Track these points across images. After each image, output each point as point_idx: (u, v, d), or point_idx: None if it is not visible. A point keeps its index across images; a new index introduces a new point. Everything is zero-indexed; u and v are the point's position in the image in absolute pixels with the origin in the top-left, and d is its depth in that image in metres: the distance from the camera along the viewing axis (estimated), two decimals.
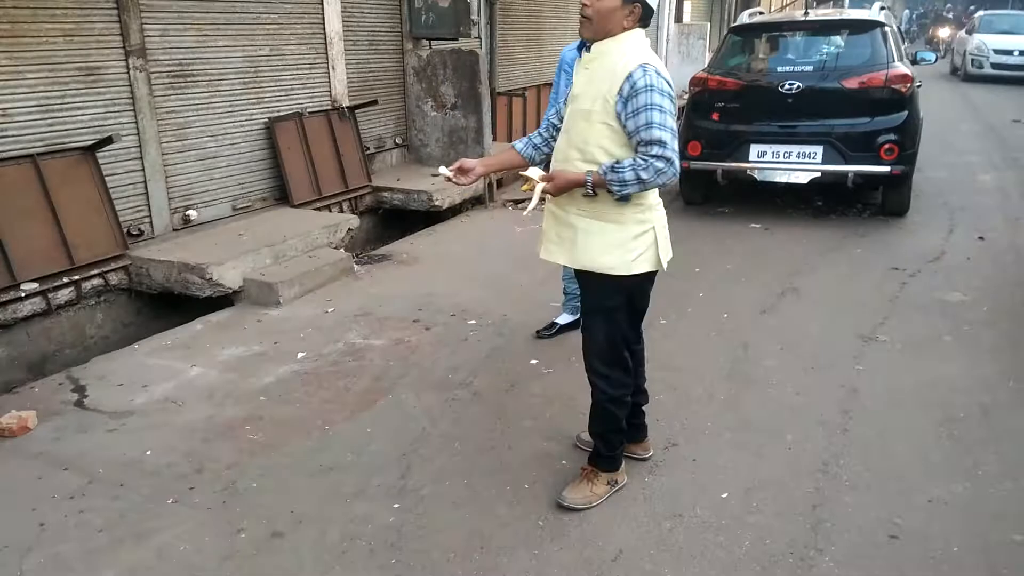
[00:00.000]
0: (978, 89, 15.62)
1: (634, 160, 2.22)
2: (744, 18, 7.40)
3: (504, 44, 8.58)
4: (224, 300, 4.44)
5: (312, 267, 4.71)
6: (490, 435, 3.09)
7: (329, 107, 6.16)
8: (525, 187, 2.45)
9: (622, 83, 2.20)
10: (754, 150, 6.04)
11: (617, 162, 2.25)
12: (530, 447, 2.99)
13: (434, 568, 2.33)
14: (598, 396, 2.61)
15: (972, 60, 16.79)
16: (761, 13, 8.24)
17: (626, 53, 2.26)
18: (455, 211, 6.64)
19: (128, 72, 4.66)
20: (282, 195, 5.76)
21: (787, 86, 5.90)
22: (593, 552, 2.39)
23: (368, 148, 6.59)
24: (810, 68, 6.10)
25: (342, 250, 5.16)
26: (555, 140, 2.52)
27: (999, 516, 2.53)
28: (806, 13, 6.97)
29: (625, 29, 2.28)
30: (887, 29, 6.16)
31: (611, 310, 2.48)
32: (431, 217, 6.42)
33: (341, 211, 5.99)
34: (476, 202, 6.86)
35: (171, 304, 4.53)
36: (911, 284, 4.67)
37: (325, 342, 3.96)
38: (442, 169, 2.52)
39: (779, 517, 2.54)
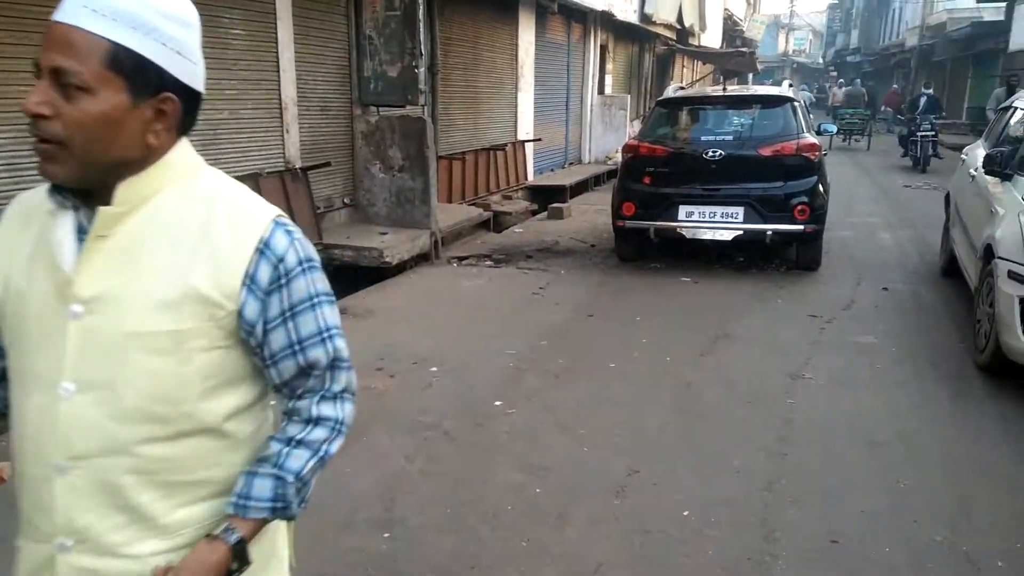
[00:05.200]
0: None
1: (299, 424, 1.19)
2: (669, 92, 8.11)
3: (444, 111, 9.03)
4: None
5: None
6: (465, 470, 3.30)
7: (283, 168, 6.38)
8: None
9: (250, 260, 1.09)
10: (682, 210, 6.58)
11: (266, 456, 1.17)
12: (504, 479, 3.22)
13: None
14: None
15: None
16: (682, 88, 9.01)
17: (210, 190, 1.13)
18: (401, 267, 6.88)
19: None
20: None
21: (710, 153, 6.49)
22: (576, 566, 2.62)
23: (319, 207, 6.81)
24: (730, 137, 6.73)
25: None
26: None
27: (919, 521, 2.90)
28: (724, 89, 7.71)
29: (156, 147, 1.08)
30: (796, 104, 6.90)
31: None
32: (379, 273, 6.64)
33: None
34: (422, 258, 7.13)
35: None
36: (828, 329, 5.18)
37: None
38: None
39: (734, 529, 2.84)
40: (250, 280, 1.09)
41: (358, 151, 7.41)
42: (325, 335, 1.16)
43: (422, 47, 7.20)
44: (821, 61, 62.87)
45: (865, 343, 4.88)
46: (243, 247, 1.09)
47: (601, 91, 15.20)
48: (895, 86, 30.23)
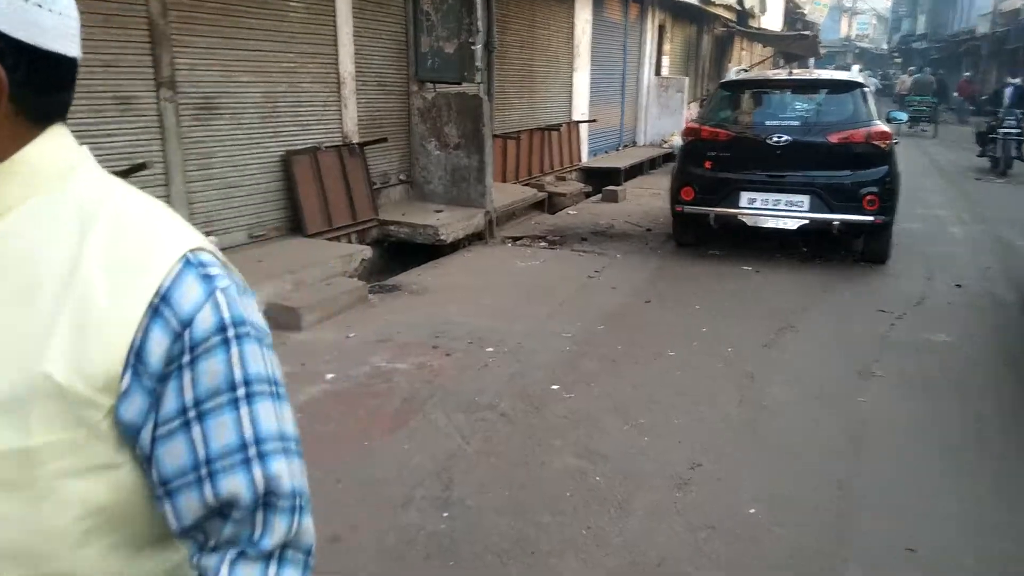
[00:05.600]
0: None
1: None
2: (732, 74, 7.87)
3: (500, 89, 8.92)
4: None
5: (330, 294, 4.86)
6: (522, 452, 3.25)
7: (341, 143, 6.37)
8: None
9: (139, 324, 0.67)
10: (744, 197, 6.38)
11: None
12: (563, 463, 3.16)
13: (490, 571, 2.47)
14: None
15: None
16: (745, 71, 8.74)
17: (89, 206, 0.70)
18: (455, 246, 6.84)
19: (158, 103, 4.82)
20: (294, 225, 5.91)
21: (775, 138, 6.27)
22: (638, 558, 2.55)
23: (375, 183, 6.80)
24: (796, 123, 6.49)
25: (356, 279, 5.31)
26: None
27: (999, 530, 2.75)
28: (790, 72, 7.44)
29: None
30: (866, 90, 6.61)
31: None
32: (433, 251, 6.61)
33: (350, 242, 6.16)
34: (476, 237, 7.07)
35: None
36: (899, 326, 4.97)
37: (351, 365, 4.09)
38: None
39: (803, 529, 2.73)
40: (136, 357, 0.66)
41: (414, 128, 7.36)
42: (252, 452, 0.70)
43: (479, 23, 7.10)
44: (885, 47, 60.71)
45: (938, 342, 4.67)
46: (128, 302, 0.66)
47: (658, 72, 14.89)
48: (967, 74, 29.01)
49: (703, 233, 6.87)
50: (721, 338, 4.64)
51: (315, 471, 2.99)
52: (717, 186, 6.43)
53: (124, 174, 4.43)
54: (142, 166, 4.45)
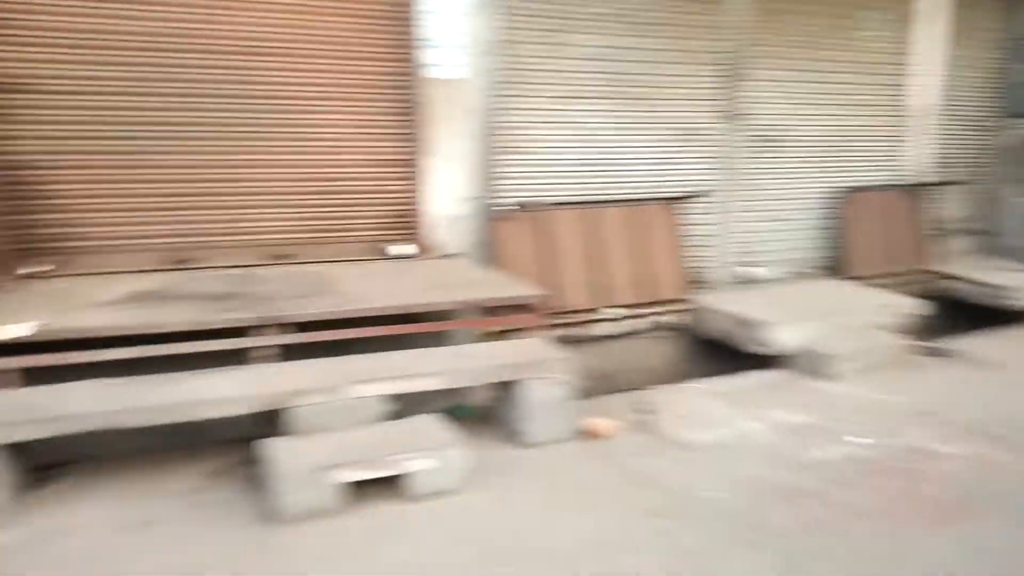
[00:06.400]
0: None
1: None
2: None
3: None
4: (769, 359, 4.41)
5: (867, 346, 4.38)
6: None
7: (901, 182, 5.74)
8: None
9: None
10: None
11: None
12: None
13: None
14: None
15: None
16: None
17: None
18: None
19: (721, 134, 5.02)
20: (834, 265, 5.56)
21: None
22: None
23: (936, 230, 5.95)
24: None
25: (900, 334, 4.70)
26: None
27: None
28: None
29: None
30: None
31: None
32: (1002, 316, 5.45)
33: (895, 292, 5.50)
34: None
35: (718, 350, 4.68)
36: None
37: (884, 432, 3.59)
38: None
39: None
40: None
41: (994, 170, 6.21)
42: None
43: None
44: None
45: None
46: None
47: None
48: None
49: None
50: None
51: (827, 542, 2.69)
52: None
53: (684, 199, 4.75)
54: (701, 193, 4.69)
